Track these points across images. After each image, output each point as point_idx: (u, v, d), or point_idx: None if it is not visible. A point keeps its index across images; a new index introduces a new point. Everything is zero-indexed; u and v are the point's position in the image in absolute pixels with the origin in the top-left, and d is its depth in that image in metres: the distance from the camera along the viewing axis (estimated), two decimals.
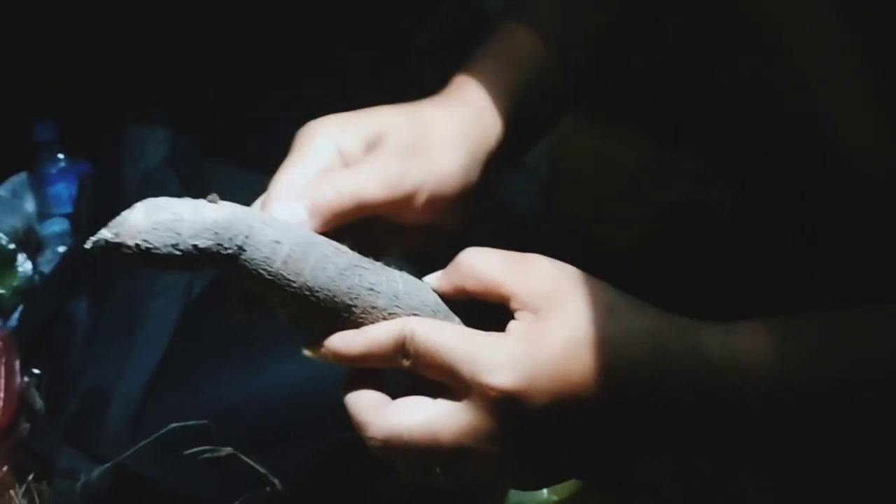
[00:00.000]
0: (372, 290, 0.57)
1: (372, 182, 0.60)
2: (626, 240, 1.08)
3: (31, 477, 1.01)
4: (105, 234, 0.51)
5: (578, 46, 0.73)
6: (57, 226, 1.35)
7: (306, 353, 0.58)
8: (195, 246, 0.52)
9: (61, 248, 1.31)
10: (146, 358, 0.96)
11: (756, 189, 0.99)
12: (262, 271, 0.54)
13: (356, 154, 0.62)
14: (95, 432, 0.94)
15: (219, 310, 1.03)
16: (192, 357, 0.98)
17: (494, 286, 0.57)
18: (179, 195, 1.05)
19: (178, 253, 0.52)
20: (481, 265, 0.57)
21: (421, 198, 0.62)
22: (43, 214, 1.38)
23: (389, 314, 0.57)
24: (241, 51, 1.23)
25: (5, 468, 1.00)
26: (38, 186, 1.39)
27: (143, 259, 0.52)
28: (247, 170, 1.13)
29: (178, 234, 0.52)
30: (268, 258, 0.54)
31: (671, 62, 0.96)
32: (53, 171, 1.38)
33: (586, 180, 1.11)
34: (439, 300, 0.59)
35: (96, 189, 1.23)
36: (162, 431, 0.92)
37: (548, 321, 0.55)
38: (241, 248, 0.53)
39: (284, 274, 0.55)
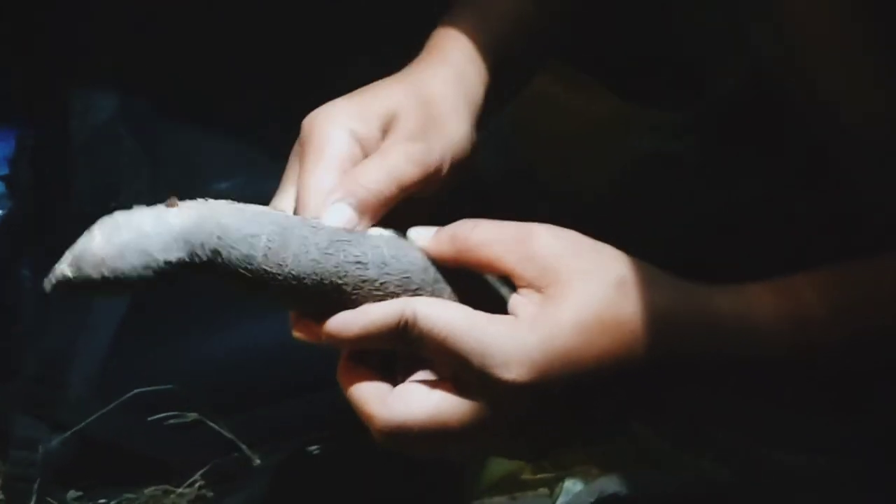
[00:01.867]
0: (359, 262, 0.55)
1: (405, 163, 0.60)
2: (593, 195, 1.09)
3: None
4: (64, 270, 0.49)
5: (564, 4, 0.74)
6: None
7: (297, 335, 0.57)
8: (167, 262, 0.50)
9: None
10: (106, 320, 0.94)
11: (721, 140, 1.00)
12: (242, 270, 0.52)
13: (374, 139, 0.61)
14: (55, 399, 0.92)
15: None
16: (154, 319, 0.96)
17: (494, 261, 0.56)
18: (134, 152, 1.06)
19: (149, 273, 0.50)
20: (479, 239, 0.56)
21: (445, 168, 0.62)
22: None
23: (381, 284, 0.56)
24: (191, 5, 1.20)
25: None
26: None
27: (113, 287, 0.50)
28: (201, 126, 1.11)
29: (146, 252, 0.50)
30: (246, 255, 0.52)
31: (630, 11, 0.96)
32: None
33: (551, 137, 1.11)
34: (427, 264, 0.58)
35: (37, 148, 1.19)
36: (126, 396, 0.91)
37: (557, 303, 0.54)
38: (216, 252, 0.51)
39: (266, 268, 0.53)
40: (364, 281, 0.55)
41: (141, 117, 1.08)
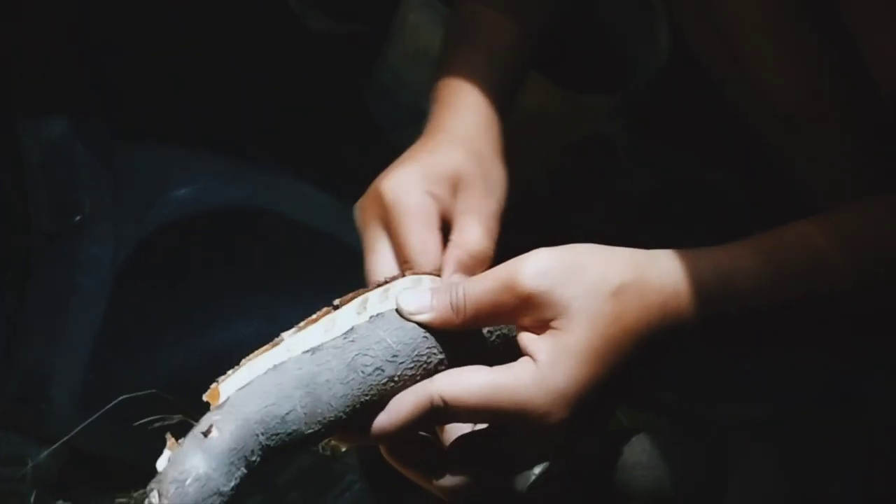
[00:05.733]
0: (377, 369, 0.59)
1: (493, 223, 0.70)
2: (531, 179, 1.13)
3: None
4: None
5: (542, 19, 0.83)
6: None
7: (340, 443, 0.61)
8: (235, 485, 0.53)
9: None
10: (83, 333, 0.96)
11: (650, 122, 1.06)
12: (294, 444, 0.56)
13: (447, 198, 0.70)
14: (39, 414, 0.94)
15: (149, 279, 1.03)
16: (131, 326, 0.98)
17: (496, 316, 0.61)
18: (91, 165, 1.07)
19: (229, 499, 0.53)
20: (473, 301, 0.61)
21: (502, 208, 0.71)
22: None
23: (399, 376, 0.60)
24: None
25: None
26: None
27: None
28: (156, 135, 1.12)
29: (217, 491, 0.52)
30: (292, 432, 0.55)
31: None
32: None
33: None
34: (418, 328, 0.61)
35: None
36: (110, 405, 0.93)
37: (566, 334, 0.59)
38: (265, 447, 0.54)
39: (311, 430, 0.56)
40: (385, 383, 0.59)
41: (94, 131, 1.09)
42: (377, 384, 0.59)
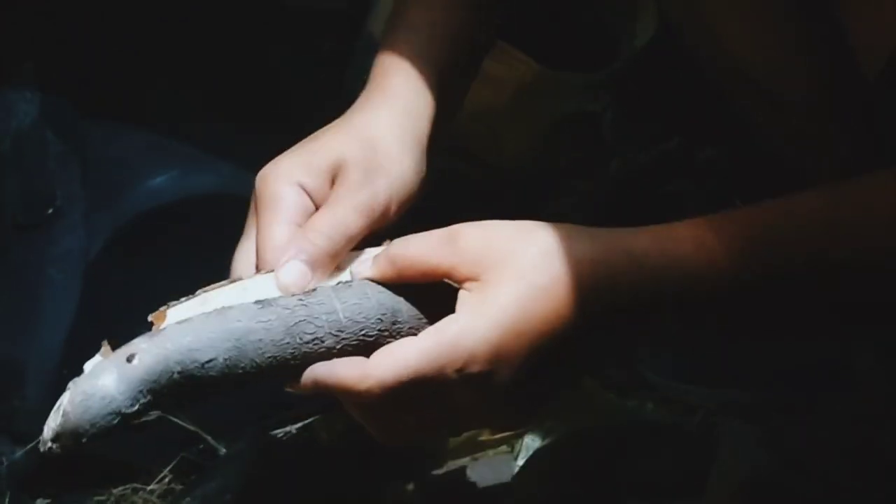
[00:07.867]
0: (315, 340, 0.59)
1: (351, 215, 0.65)
2: (517, 157, 1.12)
3: None
4: (51, 447, 0.56)
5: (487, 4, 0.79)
6: None
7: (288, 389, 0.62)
8: (137, 410, 0.56)
9: None
10: (55, 328, 0.95)
11: (637, 102, 1.05)
12: (206, 389, 0.57)
13: (323, 190, 0.66)
14: (12, 411, 0.92)
15: (122, 269, 1.02)
16: (103, 322, 0.96)
17: (432, 269, 0.60)
18: (62, 154, 1.06)
19: (122, 424, 0.56)
20: (412, 254, 0.61)
21: (393, 208, 0.68)
22: None
23: (339, 349, 0.59)
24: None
25: None
26: None
27: (96, 442, 0.56)
28: (128, 123, 1.11)
29: (116, 412, 0.55)
30: (208, 378, 0.57)
31: None
32: None
33: (476, 108, 1.14)
34: (383, 302, 0.61)
35: None
36: None
37: (494, 284, 0.59)
38: (177, 385, 0.56)
39: (226, 381, 0.58)
40: (321, 352, 0.59)
41: (65, 119, 1.07)
42: (311, 352, 0.59)
